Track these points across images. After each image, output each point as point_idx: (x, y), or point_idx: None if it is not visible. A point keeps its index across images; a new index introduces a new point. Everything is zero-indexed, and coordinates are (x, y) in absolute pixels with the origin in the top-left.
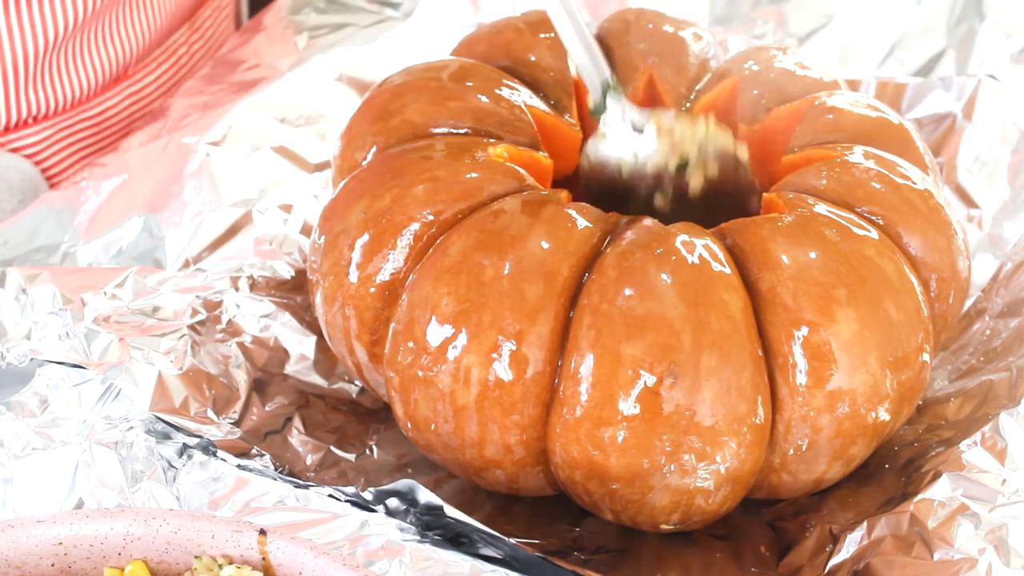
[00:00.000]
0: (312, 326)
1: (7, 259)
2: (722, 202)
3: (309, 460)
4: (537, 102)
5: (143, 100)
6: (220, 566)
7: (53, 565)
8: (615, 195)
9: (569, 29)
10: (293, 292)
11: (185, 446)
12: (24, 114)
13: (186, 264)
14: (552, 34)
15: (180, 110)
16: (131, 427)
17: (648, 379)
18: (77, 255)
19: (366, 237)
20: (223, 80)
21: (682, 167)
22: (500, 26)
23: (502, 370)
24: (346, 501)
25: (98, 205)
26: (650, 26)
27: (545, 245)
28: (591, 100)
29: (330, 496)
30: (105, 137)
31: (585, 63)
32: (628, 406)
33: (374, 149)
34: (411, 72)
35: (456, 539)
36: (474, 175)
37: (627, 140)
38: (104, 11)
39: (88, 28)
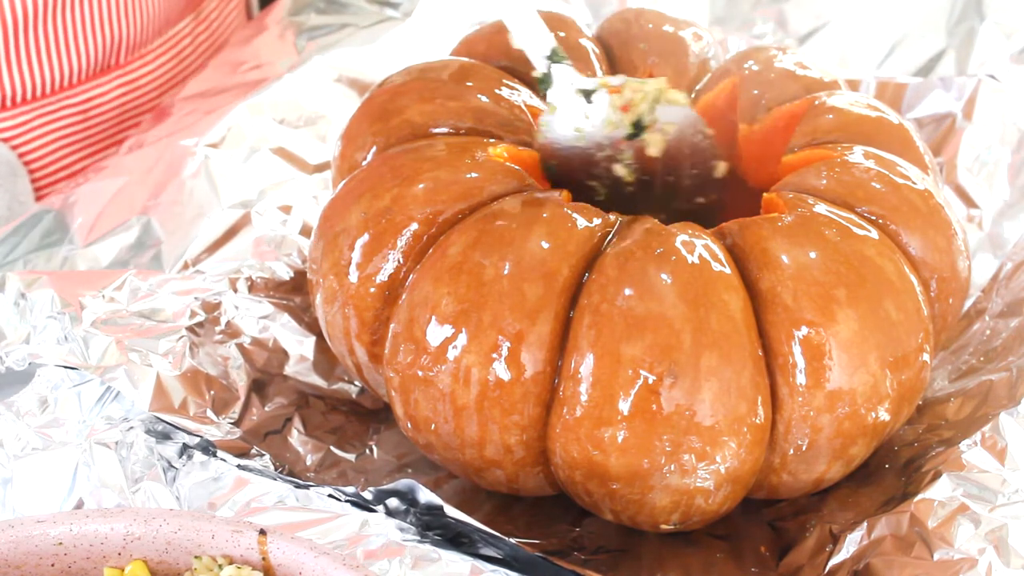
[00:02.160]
0: (311, 327)
1: (7, 264)
2: (683, 168)
3: (309, 460)
4: (537, 102)
5: (138, 91)
6: (220, 566)
7: (53, 565)
8: (576, 171)
9: (504, 4)
10: (292, 293)
11: (185, 446)
12: None
13: (185, 266)
14: (552, 34)
15: (179, 112)
16: (131, 427)
17: (648, 379)
18: (76, 259)
19: (366, 237)
20: (222, 81)
21: (637, 131)
22: (500, 26)
23: (502, 370)
24: (346, 501)
25: (97, 208)
26: (650, 26)
27: (545, 245)
28: (537, 72)
29: (330, 496)
30: (92, 127)
31: (525, 35)
32: (628, 406)
33: (374, 149)
34: (411, 72)
35: (456, 539)
36: (474, 175)
37: (578, 108)
38: None
39: (69, 6)
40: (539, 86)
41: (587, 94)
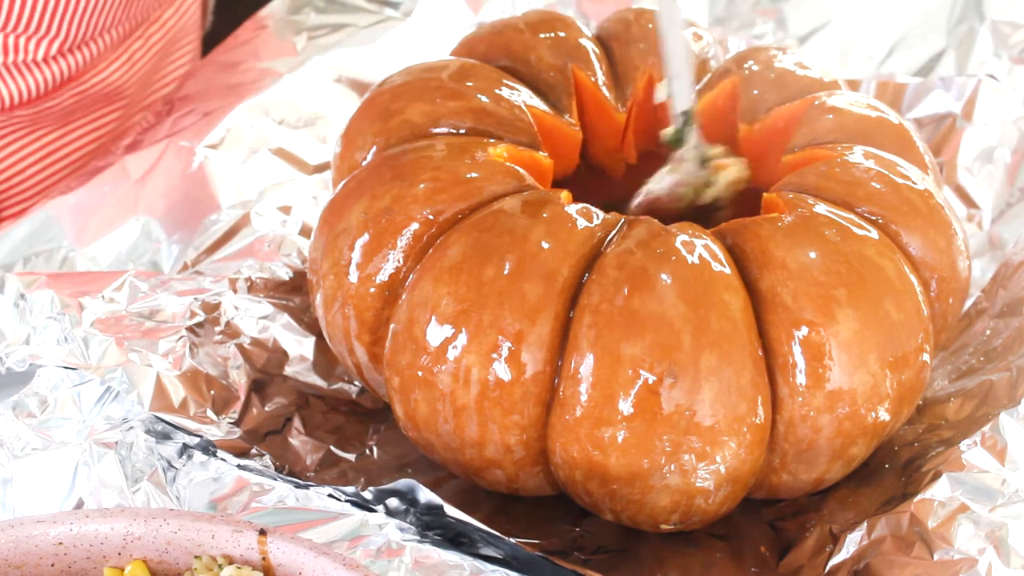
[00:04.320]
0: (311, 327)
1: (6, 265)
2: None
3: (309, 460)
4: (537, 102)
5: (88, 95)
6: (220, 566)
7: (53, 565)
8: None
9: (678, 52)
10: (291, 293)
11: (185, 446)
12: None
13: (184, 267)
14: (552, 34)
15: (178, 113)
16: (131, 427)
17: (648, 379)
18: (76, 260)
19: (366, 237)
20: (221, 82)
21: (720, 208)
22: (500, 26)
23: (502, 370)
24: (346, 501)
25: (97, 209)
26: (650, 26)
27: (545, 245)
28: (670, 128)
29: (330, 496)
30: (39, 128)
31: (681, 89)
32: (628, 406)
33: (374, 149)
34: (411, 72)
35: (456, 539)
36: (474, 175)
37: (695, 174)
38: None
39: (37, 40)
40: (668, 142)
41: (704, 162)
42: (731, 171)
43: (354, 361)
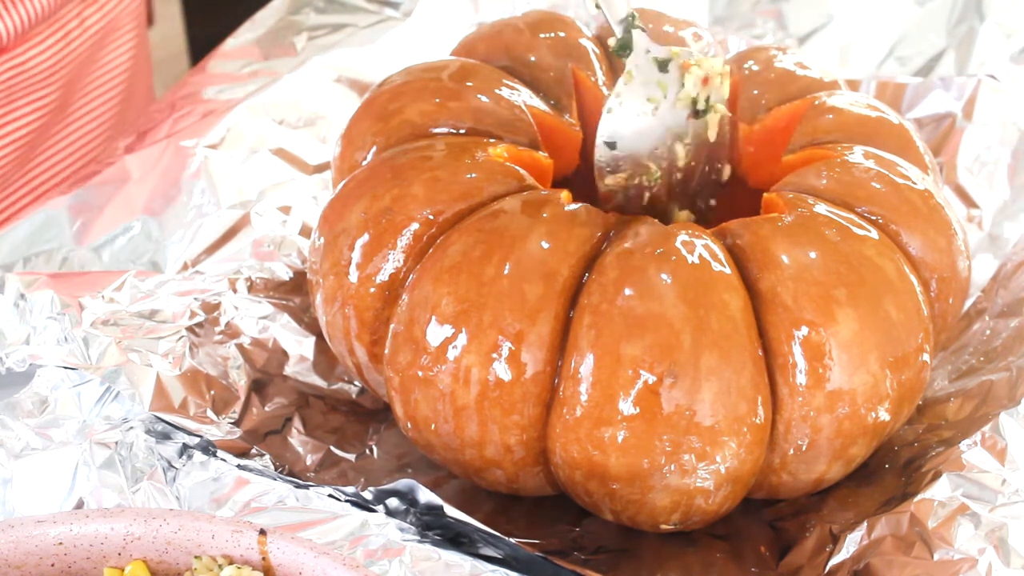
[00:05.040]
0: (311, 327)
1: (6, 265)
2: (711, 164)
3: (309, 460)
4: (537, 102)
5: (26, 74)
6: (220, 566)
7: (53, 565)
8: (640, 145)
9: None
10: (291, 293)
11: (185, 446)
12: None
13: (184, 267)
14: (552, 34)
15: (178, 113)
16: (131, 427)
17: (648, 379)
18: (76, 259)
19: (366, 237)
20: (221, 82)
21: (705, 109)
22: (500, 26)
23: (502, 370)
24: (346, 501)
25: (97, 209)
26: (650, 26)
27: (545, 245)
28: (615, 37)
29: (330, 496)
30: None
31: None
32: (628, 406)
33: (374, 149)
34: (411, 72)
35: (456, 539)
36: (474, 175)
37: (653, 79)
38: None
39: None
40: (615, 52)
41: (662, 64)
42: (705, 66)
43: (354, 361)
